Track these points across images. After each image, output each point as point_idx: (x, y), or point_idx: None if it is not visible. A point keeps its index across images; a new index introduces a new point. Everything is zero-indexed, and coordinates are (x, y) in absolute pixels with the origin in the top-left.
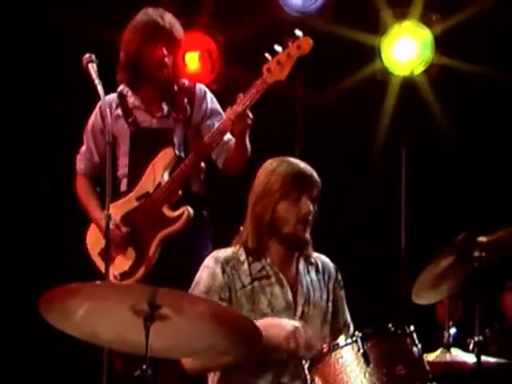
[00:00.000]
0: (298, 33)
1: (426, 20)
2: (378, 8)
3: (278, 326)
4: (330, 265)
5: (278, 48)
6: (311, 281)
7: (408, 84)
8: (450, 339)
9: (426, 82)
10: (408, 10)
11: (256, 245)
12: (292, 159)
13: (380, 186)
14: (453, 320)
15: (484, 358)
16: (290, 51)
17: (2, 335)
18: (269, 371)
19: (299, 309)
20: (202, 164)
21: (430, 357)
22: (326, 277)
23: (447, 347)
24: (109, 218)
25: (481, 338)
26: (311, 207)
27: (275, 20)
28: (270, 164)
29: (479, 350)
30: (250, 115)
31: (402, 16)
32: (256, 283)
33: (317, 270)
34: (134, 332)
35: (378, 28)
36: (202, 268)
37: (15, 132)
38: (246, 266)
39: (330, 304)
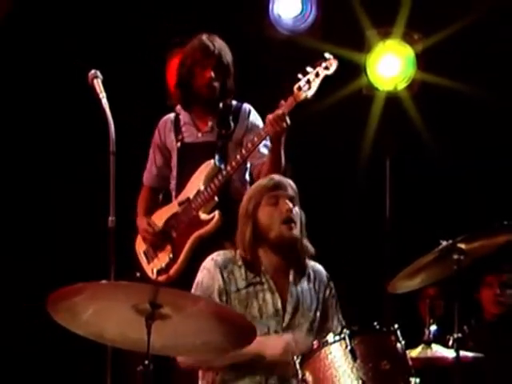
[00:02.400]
0: (326, 55)
1: (408, 39)
2: (363, 27)
3: (272, 345)
4: (323, 273)
5: (308, 69)
6: (302, 290)
7: (392, 98)
8: (431, 336)
9: (409, 97)
10: (391, 30)
11: (249, 256)
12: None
13: (366, 193)
14: (434, 317)
15: (462, 353)
16: (318, 71)
17: (11, 334)
18: (257, 372)
19: (287, 317)
20: (247, 176)
21: (413, 353)
22: (317, 285)
23: (428, 343)
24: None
25: (459, 335)
26: (291, 205)
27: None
28: (253, 184)
29: (458, 346)
30: (288, 120)
31: (385, 35)
32: (250, 288)
33: (308, 279)
34: (136, 330)
35: (364, 46)
36: (201, 269)
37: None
38: (242, 271)
39: (319, 313)
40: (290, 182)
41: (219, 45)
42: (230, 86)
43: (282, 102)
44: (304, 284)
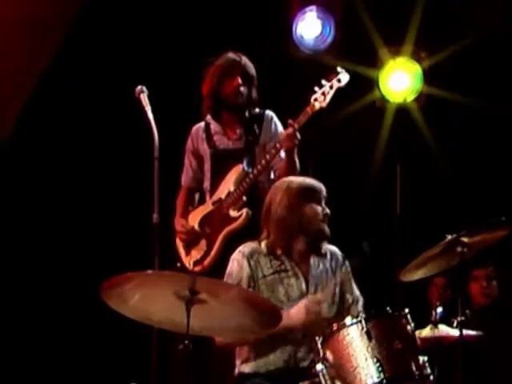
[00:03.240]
0: (339, 69)
1: (416, 56)
2: (376, 46)
3: (294, 313)
4: (339, 254)
5: (323, 82)
6: (321, 271)
7: (401, 110)
8: (438, 318)
9: (417, 108)
10: (401, 48)
11: (282, 246)
12: (294, 177)
13: (379, 195)
14: (441, 302)
15: (465, 333)
16: (332, 84)
17: (71, 316)
18: (287, 346)
19: (311, 294)
20: (272, 175)
21: (422, 332)
22: (334, 265)
23: (435, 324)
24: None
25: (463, 317)
26: (327, 209)
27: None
28: (281, 184)
29: (461, 327)
30: (298, 136)
31: (396, 53)
32: (276, 275)
33: (326, 260)
34: (177, 314)
35: (377, 63)
36: (231, 261)
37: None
38: (267, 259)
39: (338, 288)
40: (321, 185)
41: (245, 59)
42: (255, 96)
43: (290, 121)
44: (322, 265)
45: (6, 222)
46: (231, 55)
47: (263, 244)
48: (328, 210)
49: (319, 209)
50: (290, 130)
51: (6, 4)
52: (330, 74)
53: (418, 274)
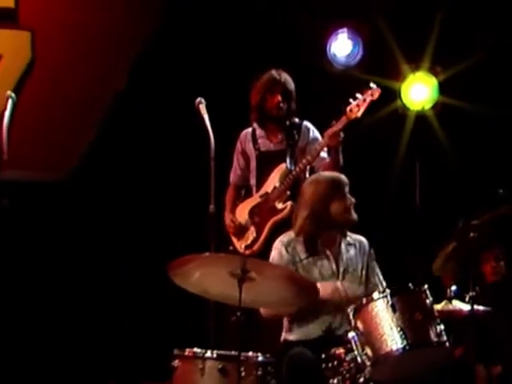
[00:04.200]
0: (372, 85)
1: (432, 71)
2: (398, 63)
3: (323, 288)
4: (365, 242)
5: (357, 95)
6: (350, 256)
7: (420, 116)
8: (452, 294)
9: (433, 115)
10: (420, 64)
11: (315, 233)
12: (324, 173)
13: (402, 188)
14: (454, 280)
15: (476, 307)
16: (366, 97)
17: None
18: (324, 319)
19: (340, 276)
20: (307, 174)
21: (438, 306)
22: (361, 251)
23: (450, 299)
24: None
25: (473, 293)
26: (352, 199)
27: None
28: (312, 179)
29: (473, 302)
30: (342, 135)
31: (415, 68)
32: (310, 259)
33: (354, 247)
34: (231, 289)
35: (399, 77)
36: (273, 249)
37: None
38: (303, 246)
39: (364, 271)
40: (345, 178)
41: (285, 76)
42: (294, 108)
43: (334, 121)
44: (351, 251)
45: (94, 216)
46: (273, 73)
47: (297, 232)
48: (353, 200)
49: (346, 199)
50: (335, 128)
51: (86, 17)
52: (365, 88)
53: (444, 271)
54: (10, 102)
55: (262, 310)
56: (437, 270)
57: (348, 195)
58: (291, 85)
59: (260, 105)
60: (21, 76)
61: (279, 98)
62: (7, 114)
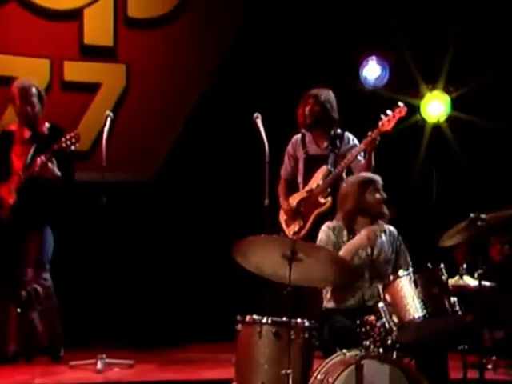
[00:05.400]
0: (400, 104)
1: (446, 90)
2: (418, 83)
3: (358, 237)
4: (395, 231)
5: (388, 112)
6: (382, 241)
7: (436, 128)
8: (463, 271)
9: (447, 127)
10: (436, 85)
11: (353, 222)
12: (362, 173)
13: (420, 190)
14: (466, 260)
15: (483, 283)
16: (395, 114)
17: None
18: (357, 292)
19: (375, 256)
20: (344, 175)
21: (452, 281)
22: (391, 238)
23: (461, 276)
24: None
25: (481, 271)
26: (384, 194)
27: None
28: (350, 178)
29: (480, 278)
30: (377, 142)
31: (432, 88)
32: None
33: (385, 234)
34: (282, 268)
35: (419, 95)
36: (320, 232)
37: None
38: (345, 231)
39: (393, 254)
40: (378, 177)
41: (322, 90)
42: (336, 118)
43: (370, 132)
44: (383, 237)
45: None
46: (310, 91)
47: (340, 220)
48: (385, 195)
49: (377, 195)
50: (373, 135)
51: (156, 52)
52: (394, 106)
53: (451, 241)
54: (108, 120)
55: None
56: (446, 240)
57: (381, 191)
58: (323, 96)
59: (303, 113)
60: (117, 100)
61: (311, 104)
62: (106, 129)
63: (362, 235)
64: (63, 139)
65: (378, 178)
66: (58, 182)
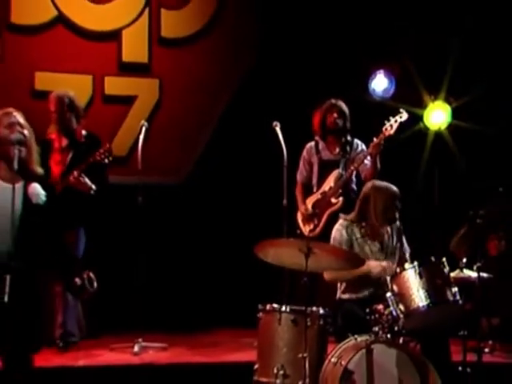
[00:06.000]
0: (401, 110)
1: (447, 100)
2: (421, 94)
3: (373, 265)
4: (398, 224)
5: (390, 118)
6: (389, 236)
7: (438, 135)
8: (463, 264)
9: (448, 134)
10: (438, 95)
11: (367, 222)
12: (378, 182)
13: (424, 191)
14: (465, 254)
15: (481, 274)
16: (396, 119)
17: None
18: (370, 285)
19: (384, 250)
20: (353, 178)
21: (453, 274)
22: (396, 231)
23: (461, 269)
24: (285, 204)
25: (479, 264)
26: (399, 204)
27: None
28: (369, 184)
29: (479, 271)
30: (381, 147)
31: (434, 98)
32: (362, 239)
33: (391, 229)
34: (300, 261)
35: (422, 104)
36: (334, 230)
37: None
38: (358, 229)
39: (398, 245)
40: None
41: (340, 102)
42: (348, 127)
43: (375, 138)
44: (391, 233)
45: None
46: (332, 100)
47: (355, 219)
48: (400, 205)
49: (389, 202)
50: (377, 141)
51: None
52: (396, 113)
53: (459, 251)
54: (143, 128)
55: (326, 276)
56: (452, 247)
57: (396, 202)
58: (345, 108)
59: (322, 122)
60: (151, 111)
61: (335, 115)
62: (141, 137)
63: (382, 265)
64: (97, 153)
65: (395, 191)
66: (91, 193)
